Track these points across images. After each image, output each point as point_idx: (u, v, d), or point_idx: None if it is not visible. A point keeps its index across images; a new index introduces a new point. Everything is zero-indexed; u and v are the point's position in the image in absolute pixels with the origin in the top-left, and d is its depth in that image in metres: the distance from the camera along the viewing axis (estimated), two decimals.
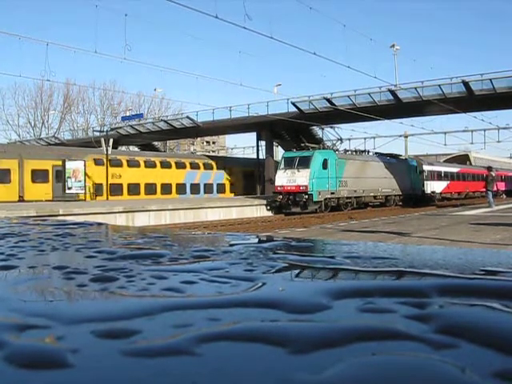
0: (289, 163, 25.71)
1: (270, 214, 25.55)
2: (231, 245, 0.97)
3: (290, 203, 24.92)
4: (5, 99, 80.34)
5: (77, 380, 0.31)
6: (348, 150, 30.45)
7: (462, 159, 55.85)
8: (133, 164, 30.64)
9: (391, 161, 32.54)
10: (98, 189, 27.57)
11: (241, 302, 0.48)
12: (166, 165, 32.43)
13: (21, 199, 25.07)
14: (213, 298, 0.51)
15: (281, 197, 25.15)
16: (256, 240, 1.09)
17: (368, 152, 32.23)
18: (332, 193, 25.64)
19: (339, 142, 30.08)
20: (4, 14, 67.30)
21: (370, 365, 0.32)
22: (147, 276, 0.62)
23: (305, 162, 25.03)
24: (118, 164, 29.56)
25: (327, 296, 0.49)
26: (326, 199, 25.26)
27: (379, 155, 32.34)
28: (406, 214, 18.16)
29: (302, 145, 27.62)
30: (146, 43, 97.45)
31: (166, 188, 32.00)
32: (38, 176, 26.37)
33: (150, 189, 30.98)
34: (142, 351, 0.34)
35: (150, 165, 31.46)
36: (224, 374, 0.31)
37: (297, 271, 0.68)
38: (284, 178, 25.33)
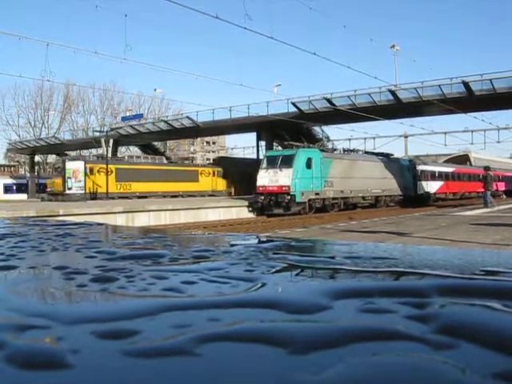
0: (271, 162, 24.08)
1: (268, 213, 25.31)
2: (231, 245, 0.97)
3: (271, 204, 23.40)
4: (5, 99, 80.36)
5: (77, 380, 0.31)
6: (335, 149, 29.24)
7: (462, 159, 55.66)
8: None
9: (382, 160, 30.90)
10: None
11: (241, 302, 0.48)
12: None
13: None
14: (213, 298, 0.51)
15: (262, 198, 23.57)
16: (256, 240, 1.09)
17: (357, 151, 30.63)
18: (317, 193, 24.03)
19: (326, 140, 29.18)
20: (4, 14, 67.42)
21: (370, 365, 0.32)
22: (147, 276, 0.62)
23: (287, 161, 23.42)
24: None
25: (327, 296, 0.49)
26: (310, 200, 23.66)
27: (369, 154, 30.84)
28: (405, 214, 18.15)
29: (286, 143, 26.17)
30: (145, 43, 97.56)
31: None
32: None
33: None
34: (143, 351, 0.34)
35: None
36: (224, 374, 0.31)
37: (297, 271, 0.68)
38: (266, 178, 23.72)
